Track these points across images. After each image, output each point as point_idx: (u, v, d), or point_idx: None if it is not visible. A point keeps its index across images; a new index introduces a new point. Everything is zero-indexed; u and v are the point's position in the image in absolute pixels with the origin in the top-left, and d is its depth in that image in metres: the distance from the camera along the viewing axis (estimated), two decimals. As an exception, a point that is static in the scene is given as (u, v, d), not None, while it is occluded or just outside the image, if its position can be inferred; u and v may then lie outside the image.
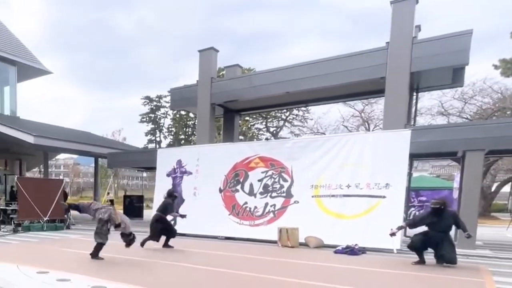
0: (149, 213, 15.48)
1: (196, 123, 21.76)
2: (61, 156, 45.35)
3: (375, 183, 9.27)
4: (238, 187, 11.36)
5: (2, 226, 13.14)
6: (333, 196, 9.75)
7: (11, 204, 15.22)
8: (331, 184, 9.87)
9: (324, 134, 29.38)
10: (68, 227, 14.20)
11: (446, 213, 6.98)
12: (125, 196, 23.83)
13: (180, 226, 12.18)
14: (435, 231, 7.02)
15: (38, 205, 13.39)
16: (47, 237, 11.83)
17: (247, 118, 35.40)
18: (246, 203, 11.14)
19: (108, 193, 28.84)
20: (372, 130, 26.40)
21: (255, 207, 10.96)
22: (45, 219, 13.43)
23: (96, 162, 21.24)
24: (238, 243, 10.37)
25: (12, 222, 13.32)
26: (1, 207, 14.21)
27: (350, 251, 8.48)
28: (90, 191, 34.97)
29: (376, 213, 8.96)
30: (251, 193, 11.15)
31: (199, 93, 14.72)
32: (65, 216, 14.70)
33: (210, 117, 14.68)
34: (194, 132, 40.81)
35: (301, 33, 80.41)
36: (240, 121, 23.43)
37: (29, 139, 14.60)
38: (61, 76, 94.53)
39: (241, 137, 32.09)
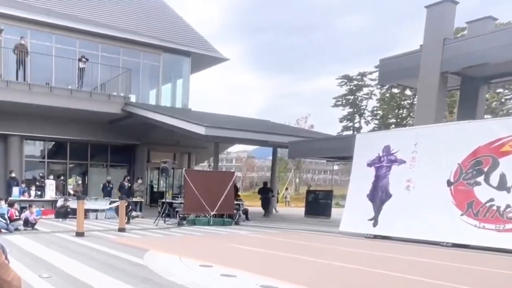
0: (339, 212, 16.37)
1: (415, 101, 20.96)
2: (234, 149, 52.50)
3: None
4: (480, 178, 10.99)
5: (167, 219, 15.97)
6: None
7: (177, 197, 18.32)
8: None
9: None
10: (237, 223, 16.31)
11: None
12: (309, 191, 25.84)
13: (384, 227, 12.53)
14: None
15: (205, 198, 15.74)
16: (212, 232, 13.76)
17: (499, 89, 32.52)
18: (491, 200, 10.71)
19: (287, 188, 31.40)
20: None
21: (507, 206, 10.42)
22: (212, 213, 15.80)
23: (274, 153, 23.26)
24: (474, 253, 10.05)
25: (177, 215, 16.12)
26: (167, 200, 17.16)
27: None
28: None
29: None
30: (501, 186, 10.64)
31: (423, 59, 14.88)
32: (235, 211, 16.78)
33: (439, 90, 14.70)
34: (411, 114, 40.81)
35: None
36: (487, 94, 22.40)
37: (200, 130, 17.26)
38: (239, 62, 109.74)
39: (487, 116, 29.47)
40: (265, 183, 24.27)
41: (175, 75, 25.35)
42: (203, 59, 25.02)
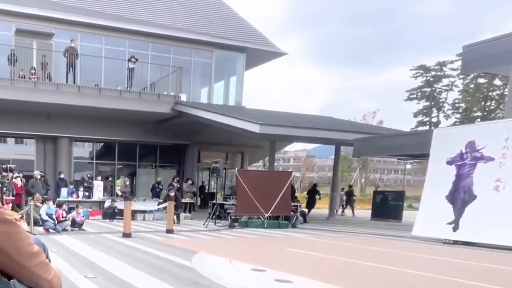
0: (412, 215, 16.19)
1: (506, 91, 19.90)
2: (291, 148, 52.70)
3: None
4: None
5: (217, 220, 16.53)
6: None
7: (229, 198, 18.97)
8: None
9: None
10: (294, 226, 16.56)
11: None
12: (376, 192, 26.02)
13: (467, 232, 12.22)
14: None
15: (259, 199, 16.05)
16: (266, 235, 14.02)
17: None
18: None
19: (350, 186, 31.65)
20: None
21: None
22: (266, 215, 16.16)
23: (337, 152, 23.46)
24: None
25: (229, 217, 16.70)
26: (218, 202, 17.81)
27: None
28: (325, 187, 39.02)
29: None
30: None
31: (518, 43, 14.25)
32: (292, 213, 16.98)
33: (537, 77, 13.94)
34: (501, 106, 39.98)
35: None
36: None
37: (254, 128, 17.70)
38: (301, 55, 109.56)
39: None
40: (314, 185, 26.04)
41: (229, 72, 26.23)
42: (259, 54, 25.69)
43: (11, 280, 1.40)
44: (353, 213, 26.85)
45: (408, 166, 53.29)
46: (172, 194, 17.45)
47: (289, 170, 48.89)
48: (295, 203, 18.10)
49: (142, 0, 26.75)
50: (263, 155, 30.61)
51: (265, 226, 15.88)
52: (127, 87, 22.12)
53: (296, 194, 22.16)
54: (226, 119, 19.27)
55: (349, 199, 27.35)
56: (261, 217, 16.21)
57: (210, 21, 26.15)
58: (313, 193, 24.42)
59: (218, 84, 26.00)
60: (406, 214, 21.24)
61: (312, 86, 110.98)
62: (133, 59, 21.90)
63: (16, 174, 17.70)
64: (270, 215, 16.23)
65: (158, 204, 18.21)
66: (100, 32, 22.22)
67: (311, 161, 68.31)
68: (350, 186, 29.99)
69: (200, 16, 26.50)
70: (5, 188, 15.13)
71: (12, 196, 16.76)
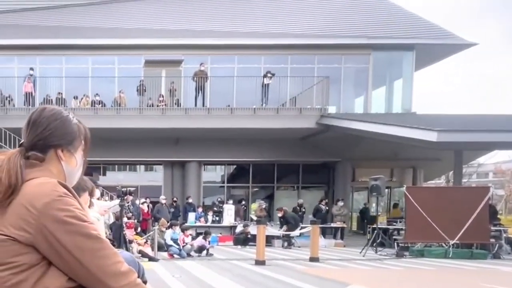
0: None
1: None
2: (489, 159, 50.07)
3: None
4: None
5: (379, 248, 16.97)
6: None
7: (395, 222, 19.29)
8: None
9: None
10: (496, 256, 15.94)
11: None
12: None
13: None
14: None
15: (440, 223, 15.78)
16: (452, 267, 13.66)
17: None
18: None
19: None
20: None
21: None
22: (451, 242, 15.70)
23: None
24: None
25: (396, 244, 16.88)
26: (380, 226, 18.23)
27: None
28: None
29: None
30: None
31: None
32: (492, 240, 16.33)
33: None
34: None
35: None
36: None
37: (430, 136, 18.09)
38: (501, 44, 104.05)
39: None
40: None
41: (392, 76, 27.30)
42: (434, 50, 26.15)
43: None
44: None
45: None
46: (262, 214, 17.93)
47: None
48: (498, 228, 17.39)
49: (276, 13, 28.84)
50: (445, 170, 30.94)
51: (450, 256, 15.51)
52: (262, 104, 24.51)
53: (499, 216, 20.94)
54: (389, 129, 19.93)
55: None
56: (443, 244, 15.90)
57: (364, 21, 27.35)
58: None
59: (377, 91, 27.19)
60: None
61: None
62: (269, 75, 24.18)
63: (143, 200, 21.18)
64: (458, 242, 15.80)
65: (300, 229, 18.90)
66: (231, 52, 25.39)
67: (519, 174, 63.97)
68: None
69: (350, 17, 27.93)
70: (130, 214, 17.87)
71: (138, 221, 19.10)
